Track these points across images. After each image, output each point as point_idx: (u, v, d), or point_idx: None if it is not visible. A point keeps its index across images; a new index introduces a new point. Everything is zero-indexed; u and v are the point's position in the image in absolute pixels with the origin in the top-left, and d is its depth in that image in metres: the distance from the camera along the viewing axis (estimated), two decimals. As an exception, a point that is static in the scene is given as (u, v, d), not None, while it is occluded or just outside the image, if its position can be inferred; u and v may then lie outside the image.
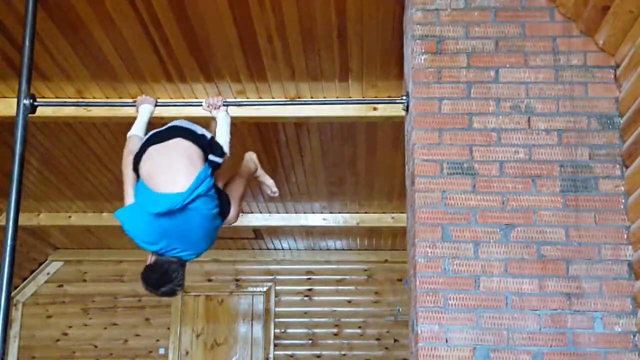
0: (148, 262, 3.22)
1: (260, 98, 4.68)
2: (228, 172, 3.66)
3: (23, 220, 4.30)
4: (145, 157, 3.25)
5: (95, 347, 8.20)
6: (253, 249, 8.41)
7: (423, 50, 3.25)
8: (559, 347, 2.86)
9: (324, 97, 4.68)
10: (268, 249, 8.43)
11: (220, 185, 3.45)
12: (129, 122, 3.66)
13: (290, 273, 8.44)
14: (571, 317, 2.90)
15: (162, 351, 8.20)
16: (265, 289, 8.40)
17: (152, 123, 3.55)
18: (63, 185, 6.34)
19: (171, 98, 4.64)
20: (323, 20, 3.86)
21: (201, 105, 3.61)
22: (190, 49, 4.14)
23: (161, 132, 3.36)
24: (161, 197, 3.10)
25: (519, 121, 3.15)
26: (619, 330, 2.88)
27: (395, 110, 4.13)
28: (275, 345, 8.21)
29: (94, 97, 4.66)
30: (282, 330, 8.27)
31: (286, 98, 4.67)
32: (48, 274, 8.40)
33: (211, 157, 3.29)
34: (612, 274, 2.95)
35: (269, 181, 3.87)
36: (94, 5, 3.72)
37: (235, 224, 3.58)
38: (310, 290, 8.39)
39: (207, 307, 8.34)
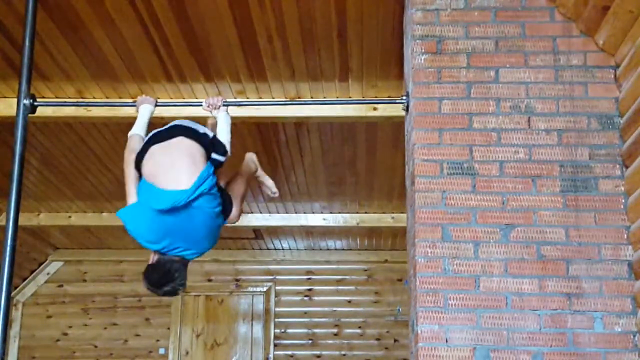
0: (150, 262, 3.22)
1: (260, 98, 4.68)
2: (229, 172, 3.67)
3: (23, 220, 4.30)
4: (147, 156, 3.25)
5: (95, 347, 8.20)
6: (253, 249, 8.42)
7: (423, 50, 3.26)
8: (559, 347, 2.87)
9: (324, 97, 4.68)
10: (268, 249, 8.43)
11: (221, 184, 3.46)
12: (129, 122, 3.67)
13: (290, 273, 8.44)
14: (571, 317, 2.90)
15: (162, 351, 8.20)
16: (265, 289, 8.40)
17: (152, 123, 3.55)
18: (63, 185, 6.34)
19: (171, 98, 4.65)
20: (323, 20, 3.87)
21: (201, 105, 3.62)
22: (190, 49, 4.14)
23: (163, 132, 3.37)
24: (165, 194, 3.11)
25: (519, 121, 3.15)
26: (619, 330, 2.88)
27: (395, 110, 4.13)
28: (275, 345, 8.21)
29: (94, 97, 4.66)
30: (282, 330, 8.27)
31: (286, 98, 4.67)
32: (48, 274, 8.40)
33: (214, 155, 3.30)
34: (612, 274, 2.95)
35: (268, 182, 3.87)
36: (94, 5, 3.72)
37: (235, 223, 3.58)
38: (310, 290, 8.39)
39: (207, 307, 8.34)
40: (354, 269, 8.39)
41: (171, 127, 3.40)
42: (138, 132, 3.42)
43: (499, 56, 3.23)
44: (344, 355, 8.18)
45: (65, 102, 4.62)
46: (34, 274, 8.33)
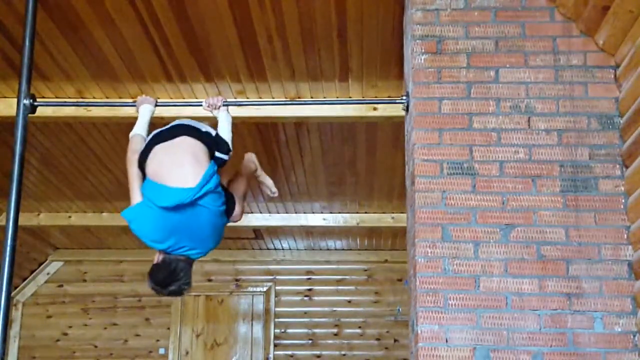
0: (155, 261, 3.22)
1: (260, 98, 4.68)
2: (229, 172, 3.68)
3: (23, 220, 4.30)
4: (151, 155, 3.26)
5: (95, 347, 8.20)
6: (253, 249, 8.42)
7: (423, 50, 3.25)
8: (559, 347, 2.86)
9: (324, 97, 4.68)
10: (268, 249, 8.43)
11: (223, 183, 3.47)
12: (129, 122, 3.67)
13: (290, 273, 8.44)
14: (571, 317, 2.90)
15: (162, 351, 8.20)
16: (265, 289, 8.40)
17: (152, 123, 3.56)
18: (63, 185, 6.34)
19: (171, 98, 4.65)
20: (323, 20, 3.86)
21: (201, 105, 3.62)
22: (190, 49, 4.14)
23: (165, 131, 3.37)
24: (171, 191, 3.11)
25: (519, 121, 3.15)
26: (619, 330, 2.88)
27: (395, 110, 4.13)
28: (275, 345, 8.21)
29: (94, 97, 4.66)
30: (282, 330, 8.27)
31: (286, 98, 4.67)
32: (48, 274, 8.40)
33: (217, 154, 3.32)
34: (612, 274, 2.95)
35: (268, 181, 3.88)
36: (94, 5, 3.72)
37: (235, 223, 3.59)
38: (310, 290, 8.39)
39: (207, 307, 8.35)
40: (354, 269, 8.39)
41: (173, 126, 3.41)
42: (139, 132, 3.42)
43: (499, 56, 3.23)
44: (344, 355, 8.18)
45: (65, 102, 4.62)
46: (34, 274, 8.34)
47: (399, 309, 8.14)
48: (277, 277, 8.43)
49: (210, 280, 8.35)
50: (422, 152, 3.12)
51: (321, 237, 8.05)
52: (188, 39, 4.02)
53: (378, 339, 8.19)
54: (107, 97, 4.65)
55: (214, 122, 3.54)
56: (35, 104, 3.39)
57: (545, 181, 3.07)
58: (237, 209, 3.51)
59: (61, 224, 7.17)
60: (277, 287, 8.40)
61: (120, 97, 4.64)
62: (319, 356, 8.19)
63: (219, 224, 3.31)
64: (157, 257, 3.22)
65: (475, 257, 2.98)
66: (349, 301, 8.32)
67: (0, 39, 4.02)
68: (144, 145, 3.33)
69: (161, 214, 3.11)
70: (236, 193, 3.56)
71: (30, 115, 3.36)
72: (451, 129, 3.15)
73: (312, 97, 4.68)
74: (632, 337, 2.87)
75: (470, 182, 3.08)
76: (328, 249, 8.42)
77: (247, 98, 4.67)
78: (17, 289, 8.18)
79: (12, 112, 3.51)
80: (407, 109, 3.42)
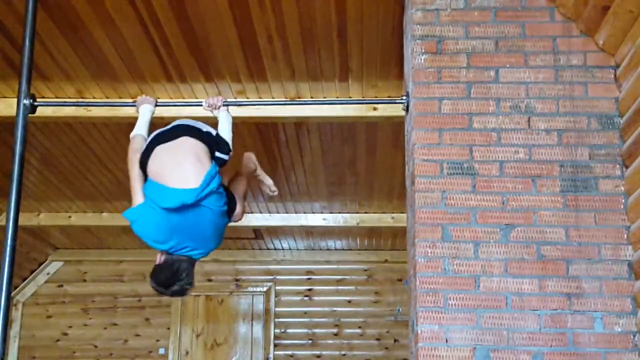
0: (157, 262, 3.22)
1: (260, 98, 4.68)
2: (229, 171, 3.68)
3: (23, 220, 4.30)
4: (152, 156, 3.26)
5: (95, 347, 8.20)
6: (253, 249, 8.41)
7: (423, 50, 3.25)
8: (559, 347, 2.86)
9: (324, 97, 4.68)
10: (268, 249, 8.43)
11: (224, 183, 3.47)
12: (129, 122, 3.67)
13: (290, 273, 8.44)
14: (571, 317, 2.90)
15: (162, 351, 8.20)
16: (265, 289, 8.40)
17: (152, 123, 3.55)
18: (63, 185, 6.34)
19: (171, 98, 4.65)
20: (323, 20, 3.86)
21: (201, 105, 3.62)
22: (190, 49, 4.14)
23: (166, 132, 3.37)
24: (174, 192, 3.11)
25: (519, 121, 3.15)
26: (619, 330, 2.88)
27: (395, 110, 4.13)
28: (275, 345, 8.21)
29: (94, 97, 4.66)
30: (282, 330, 8.27)
31: (286, 98, 4.67)
32: (48, 274, 8.40)
33: (217, 154, 3.32)
34: (612, 274, 2.95)
35: (268, 180, 3.88)
36: (94, 5, 3.72)
37: (235, 223, 3.59)
38: (310, 290, 8.39)
39: (207, 307, 8.34)
40: (354, 269, 8.38)
41: (174, 127, 3.41)
42: (140, 133, 3.43)
43: (499, 56, 3.23)
44: (344, 355, 8.18)
45: (65, 102, 4.62)
46: (34, 274, 8.34)
47: (399, 309, 8.14)
48: (277, 277, 8.43)
49: (210, 280, 8.35)
50: (422, 152, 3.12)
51: (321, 237, 8.05)
52: (188, 39, 4.02)
53: (378, 339, 8.19)
54: (107, 97, 4.65)
55: (214, 122, 3.54)
56: (35, 104, 3.39)
57: (545, 181, 3.07)
58: (238, 208, 3.52)
59: (61, 224, 7.17)
60: (277, 287, 8.40)
61: (120, 97, 4.64)
62: (319, 356, 8.19)
63: (221, 224, 3.32)
64: (159, 258, 3.22)
65: (475, 257, 2.98)
66: (349, 301, 8.32)
67: (0, 39, 4.02)
68: (145, 145, 3.33)
69: (163, 215, 3.12)
70: (237, 193, 3.57)
71: (30, 115, 3.36)
72: (451, 129, 3.15)
73: (312, 97, 4.68)
74: (632, 337, 2.87)
75: (470, 182, 3.08)
76: (328, 249, 8.42)
77: (247, 98, 4.67)
78: (17, 289, 8.18)
79: (12, 112, 3.51)
80: (407, 109, 3.42)
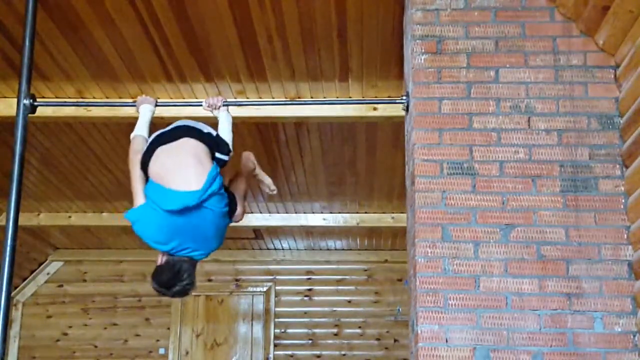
0: (158, 263, 3.22)
1: (260, 98, 4.68)
2: (229, 172, 3.67)
3: (23, 220, 4.30)
4: (153, 158, 3.25)
5: (95, 347, 8.20)
6: (253, 249, 8.42)
7: (423, 50, 3.25)
8: (559, 347, 2.86)
9: (324, 97, 4.68)
10: (268, 249, 8.43)
11: (225, 183, 3.47)
12: (129, 122, 3.67)
13: (290, 273, 8.44)
14: (571, 317, 2.90)
15: (162, 351, 8.20)
16: (265, 289, 8.40)
17: (153, 123, 3.55)
18: (63, 185, 6.34)
19: (171, 98, 4.65)
20: (323, 20, 3.86)
21: (201, 105, 3.62)
22: (190, 49, 4.14)
23: (167, 133, 3.37)
24: (176, 195, 3.11)
25: (519, 121, 3.15)
26: (619, 330, 2.88)
27: (395, 110, 4.13)
28: (275, 345, 8.21)
29: (94, 97, 4.66)
30: (282, 330, 8.27)
31: (286, 98, 4.67)
32: (48, 274, 8.40)
33: (218, 155, 3.31)
34: (612, 274, 2.95)
35: (267, 180, 3.88)
36: (94, 5, 3.72)
37: (235, 223, 3.59)
38: (310, 290, 8.39)
39: (207, 307, 8.34)
40: (354, 269, 8.39)
41: (175, 128, 3.41)
42: (141, 133, 3.42)
43: (499, 56, 3.23)
44: (344, 355, 8.18)
45: (65, 102, 4.62)
46: (34, 274, 8.33)
47: (399, 309, 8.14)
48: (277, 277, 8.43)
49: (210, 280, 8.35)
50: (422, 152, 3.12)
51: (321, 237, 8.05)
52: (188, 39, 4.02)
53: (378, 339, 8.19)
54: (107, 97, 4.65)
55: (214, 122, 3.54)
56: (35, 104, 3.39)
57: (545, 181, 3.07)
58: (239, 209, 3.52)
59: (61, 224, 7.18)
60: (277, 287, 8.40)
61: (120, 97, 4.64)
62: (319, 356, 8.19)
63: (222, 225, 3.32)
64: (161, 259, 3.22)
65: (475, 257, 2.98)
66: (349, 301, 8.32)
67: (0, 39, 4.02)
68: (145, 146, 3.33)
69: (165, 216, 3.11)
70: (237, 193, 3.57)
71: (30, 115, 3.36)
72: (451, 129, 3.15)
73: (312, 97, 4.68)
74: (632, 337, 2.87)
75: (470, 182, 3.08)
76: (328, 249, 8.42)
77: (247, 98, 4.67)
78: (17, 289, 8.18)
79: (12, 112, 3.51)
80: (407, 109, 3.42)
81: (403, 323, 8.09)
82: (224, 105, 3.56)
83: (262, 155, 5.57)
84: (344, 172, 6.14)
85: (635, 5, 2.87)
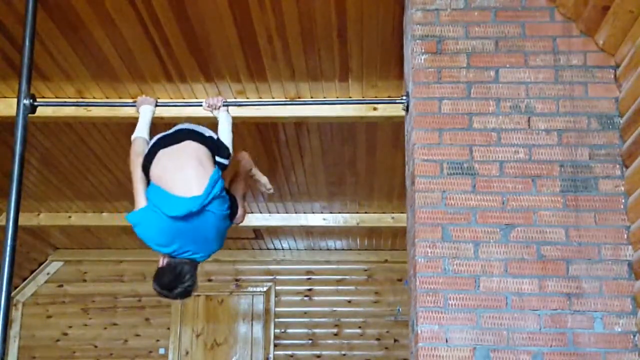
0: (160, 265, 3.22)
1: (260, 98, 4.68)
2: (229, 173, 3.67)
3: (23, 220, 4.30)
4: (155, 160, 3.26)
5: (95, 347, 8.20)
6: (253, 249, 8.42)
7: (423, 50, 3.25)
8: (559, 347, 2.86)
9: (324, 97, 4.68)
10: (268, 249, 8.43)
11: (225, 186, 3.47)
12: (129, 122, 3.67)
13: (290, 273, 8.44)
14: (571, 317, 2.90)
15: (162, 351, 8.20)
16: (265, 289, 8.40)
17: (153, 124, 3.55)
18: (63, 185, 6.34)
19: (171, 98, 4.64)
20: (323, 20, 3.86)
21: (201, 105, 3.62)
22: (190, 49, 4.14)
23: (169, 136, 3.37)
24: (179, 201, 3.11)
25: (519, 121, 3.15)
26: (619, 330, 2.88)
27: (395, 110, 4.13)
28: (275, 345, 8.21)
29: (94, 97, 4.66)
30: (282, 330, 8.27)
31: (286, 98, 4.67)
32: (48, 274, 8.40)
33: (218, 159, 3.31)
34: (612, 274, 2.95)
35: (263, 179, 3.88)
36: (94, 5, 3.72)
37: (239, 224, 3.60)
38: (310, 290, 8.39)
39: (207, 307, 8.35)
40: (354, 269, 8.38)
41: (176, 131, 3.41)
42: (141, 135, 3.42)
43: (499, 56, 3.23)
44: (344, 355, 8.18)
45: (65, 102, 4.62)
46: (34, 274, 8.34)
47: (399, 309, 8.14)
48: (277, 277, 8.43)
49: (210, 280, 8.35)
50: (422, 152, 3.12)
51: (321, 237, 8.05)
52: (188, 39, 4.02)
53: (378, 339, 8.19)
54: (107, 97, 4.64)
55: (214, 122, 3.54)
56: (35, 104, 3.39)
57: (545, 181, 3.07)
58: (240, 211, 3.52)
59: (61, 224, 7.18)
60: (277, 287, 8.40)
61: (120, 97, 4.64)
62: (319, 356, 8.19)
63: (223, 227, 3.32)
64: (162, 261, 3.22)
65: (475, 257, 2.98)
66: (349, 301, 8.32)
67: (0, 39, 4.01)
68: (147, 147, 3.33)
69: (167, 219, 3.12)
70: (236, 194, 3.57)
71: (30, 115, 3.36)
72: (451, 129, 3.15)
73: (312, 97, 4.68)
74: (632, 337, 2.87)
75: (470, 182, 3.08)
76: (328, 249, 8.42)
77: (247, 98, 4.67)
78: (17, 289, 8.18)
79: (12, 112, 3.51)
80: (407, 109, 3.42)
81: (403, 323, 8.09)
82: (224, 106, 3.56)
83: (262, 155, 5.57)
84: (344, 172, 6.14)
85: (635, 5, 2.87)
